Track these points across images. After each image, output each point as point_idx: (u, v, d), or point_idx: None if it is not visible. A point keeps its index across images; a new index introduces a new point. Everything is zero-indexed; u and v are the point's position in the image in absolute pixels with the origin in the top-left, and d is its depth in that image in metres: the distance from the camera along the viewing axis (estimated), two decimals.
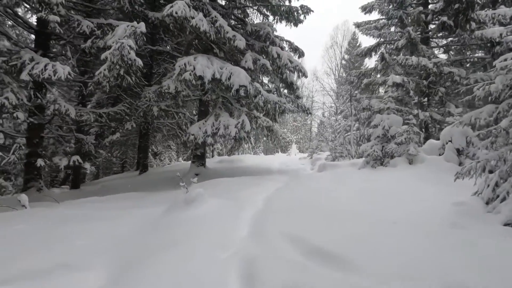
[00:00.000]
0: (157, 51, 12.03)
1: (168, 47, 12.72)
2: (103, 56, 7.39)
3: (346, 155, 12.12)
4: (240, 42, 8.73)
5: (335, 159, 11.60)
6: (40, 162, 8.18)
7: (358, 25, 16.95)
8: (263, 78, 12.55)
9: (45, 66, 7.40)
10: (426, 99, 13.66)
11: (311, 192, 5.69)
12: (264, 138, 14.88)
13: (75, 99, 12.56)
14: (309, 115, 12.04)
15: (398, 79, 13.75)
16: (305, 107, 11.86)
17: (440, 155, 7.55)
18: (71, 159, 9.51)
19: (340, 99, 33.37)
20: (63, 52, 9.60)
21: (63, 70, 7.31)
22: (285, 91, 12.22)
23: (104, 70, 7.14)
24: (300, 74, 10.71)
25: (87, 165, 20.65)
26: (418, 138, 9.15)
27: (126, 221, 4.36)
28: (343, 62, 36.77)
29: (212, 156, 23.39)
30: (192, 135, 8.85)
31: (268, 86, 12.73)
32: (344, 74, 36.42)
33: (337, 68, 36.06)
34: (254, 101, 9.36)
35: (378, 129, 8.48)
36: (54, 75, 7.21)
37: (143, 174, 14.37)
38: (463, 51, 15.08)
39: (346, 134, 14.30)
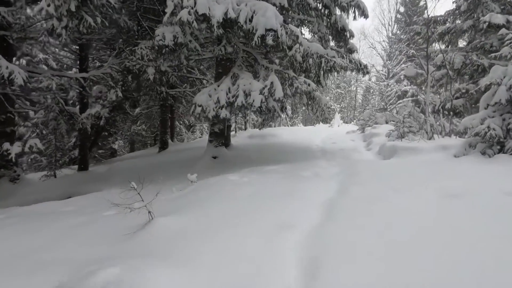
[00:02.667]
0: None
1: None
2: None
3: (418, 132, 8.57)
4: None
5: (402, 136, 8.17)
6: (6, 146, 6.13)
7: None
8: (302, 28, 9.11)
9: None
10: None
11: (414, 234, 2.65)
12: (303, 108, 11.72)
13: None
14: (366, 75, 8.51)
15: (499, 18, 9.39)
16: (360, 64, 8.32)
17: None
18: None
19: (394, 61, 28.07)
20: None
21: None
22: (332, 43, 8.72)
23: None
24: (357, 12, 7.17)
25: (116, 142, 19.32)
26: None
27: None
28: (398, 16, 30.61)
29: (245, 129, 20.75)
30: (199, 106, 6.07)
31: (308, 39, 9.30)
32: (398, 31, 30.52)
33: (390, 24, 30.17)
34: (288, 53, 6.20)
35: (500, 89, 4.91)
36: None
37: (162, 152, 12.24)
38: None
39: (411, 103, 10.51)
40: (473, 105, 11.47)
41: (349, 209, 3.02)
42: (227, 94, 6.13)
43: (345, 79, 32.98)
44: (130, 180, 2.97)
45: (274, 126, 23.35)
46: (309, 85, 6.27)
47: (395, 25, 30.66)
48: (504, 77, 4.98)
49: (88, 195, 5.92)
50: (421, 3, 28.62)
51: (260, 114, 6.20)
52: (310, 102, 9.59)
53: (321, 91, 10.23)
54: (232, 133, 19.06)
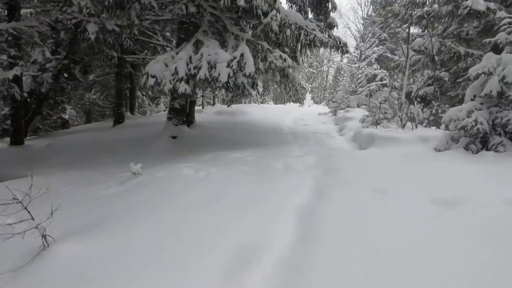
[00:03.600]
0: None
1: None
2: None
3: (392, 118, 8.18)
4: None
5: (378, 123, 7.71)
6: None
7: None
8: None
9: None
10: None
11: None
12: (275, 86, 10.88)
13: None
14: (345, 54, 7.77)
15: (481, 5, 9.01)
16: (340, 41, 7.54)
17: None
18: None
19: (367, 43, 27.78)
20: None
21: None
22: (311, 15, 7.78)
23: None
24: None
25: (66, 110, 17.11)
26: None
27: None
28: None
29: (213, 104, 19.49)
30: (152, 77, 4.94)
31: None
32: (373, 13, 30.09)
33: (366, 4, 29.53)
34: (263, 21, 5.21)
35: (492, 79, 4.41)
36: None
37: (117, 127, 10.83)
38: None
39: (388, 90, 10.08)
40: (443, 94, 11.40)
41: (331, 226, 2.32)
42: (187, 64, 5.06)
43: (318, 58, 32.33)
44: (69, 160, 1.97)
45: (244, 103, 22.33)
46: (285, 60, 5.37)
47: (371, 6, 30.13)
48: (497, 66, 4.49)
49: None
50: None
51: (227, 91, 5.24)
52: (283, 80, 8.78)
53: (294, 69, 9.40)
54: (199, 107, 17.79)
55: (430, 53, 10.46)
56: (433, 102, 11.61)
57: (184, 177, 3.40)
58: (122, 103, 11.16)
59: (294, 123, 11.23)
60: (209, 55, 5.03)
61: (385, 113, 8.03)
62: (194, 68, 5.03)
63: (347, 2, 50.26)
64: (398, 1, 14.05)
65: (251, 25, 6.67)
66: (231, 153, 5.21)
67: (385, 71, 27.11)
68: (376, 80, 26.61)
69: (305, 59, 33.81)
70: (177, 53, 5.08)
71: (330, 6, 7.17)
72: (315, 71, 32.14)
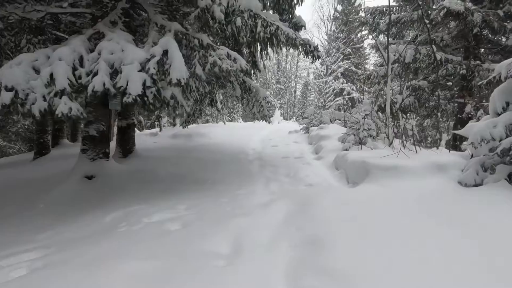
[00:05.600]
0: None
1: None
2: None
3: (377, 136, 6.65)
4: None
5: (363, 142, 6.10)
6: None
7: None
8: None
9: None
10: None
11: None
12: (234, 102, 9.11)
13: None
14: (317, 59, 6.17)
15: (459, 5, 7.98)
16: (310, 45, 5.92)
17: None
18: None
19: (332, 57, 27.38)
20: None
21: None
22: (270, 11, 6.16)
23: None
24: None
25: None
26: None
27: None
28: (336, 14, 30.10)
29: (174, 125, 17.23)
30: (9, 89, 2.86)
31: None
32: (336, 29, 30.04)
33: (329, 19, 29.46)
34: (200, 4, 3.40)
35: None
36: None
37: (37, 160, 8.32)
38: None
39: (367, 101, 8.62)
40: (422, 105, 10.26)
41: None
42: (75, 68, 3.04)
43: (285, 74, 31.49)
44: None
45: (211, 122, 20.29)
46: (234, 61, 3.53)
47: (333, 23, 30.10)
48: None
49: None
50: (357, 2, 28.45)
51: (144, 109, 3.28)
52: (245, 95, 7.01)
53: (253, 76, 7.72)
54: (155, 130, 15.51)
55: (405, 60, 9.30)
56: (411, 114, 10.45)
57: None
58: (45, 130, 8.70)
59: (262, 144, 9.42)
60: (111, 53, 3.08)
61: (369, 129, 6.47)
62: (88, 75, 3.04)
63: (310, 18, 51.19)
64: (364, 10, 13.18)
65: (185, 16, 4.86)
66: (156, 207, 3.19)
67: (351, 84, 26.80)
68: (343, 94, 26.09)
69: (272, 75, 32.94)
70: (54, 50, 3.07)
71: (294, 1, 5.58)
72: (283, 87, 31.17)
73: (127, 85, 2.94)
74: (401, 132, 6.15)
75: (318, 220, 2.55)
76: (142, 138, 12.01)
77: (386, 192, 3.32)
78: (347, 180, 4.38)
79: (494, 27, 8.08)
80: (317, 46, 6.04)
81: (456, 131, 4.21)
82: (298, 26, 6.16)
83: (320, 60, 28.50)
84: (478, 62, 8.51)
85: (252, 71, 6.64)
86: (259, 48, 4.61)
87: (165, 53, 3.07)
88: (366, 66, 28.63)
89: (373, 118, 7.01)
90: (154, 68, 3.00)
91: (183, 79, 3.06)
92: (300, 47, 5.09)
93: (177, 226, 2.49)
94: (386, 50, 6.99)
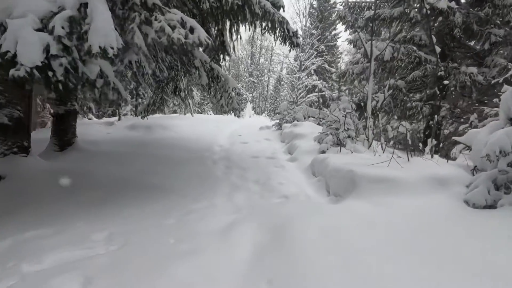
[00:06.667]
0: None
1: None
2: None
3: (357, 137, 6.03)
4: None
5: (342, 144, 5.43)
6: None
7: None
8: None
9: None
10: None
11: None
12: (198, 92, 8.13)
13: None
14: (295, 47, 5.34)
15: (442, 3, 7.58)
16: (288, 30, 5.08)
17: None
18: None
19: (306, 54, 26.95)
20: None
21: None
22: None
23: None
24: None
25: None
26: None
27: None
28: (312, 10, 29.65)
29: (136, 114, 15.63)
30: None
31: None
32: (311, 25, 29.65)
33: (304, 15, 28.96)
34: None
35: None
36: None
37: None
38: None
39: (345, 99, 7.98)
40: (396, 106, 9.94)
41: None
42: None
43: (258, 67, 30.57)
44: None
45: (180, 113, 18.76)
46: (191, 31, 2.56)
47: (309, 19, 29.66)
48: None
49: None
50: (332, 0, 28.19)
51: (50, 89, 2.21)
52: (212, 84, 6.06)
53: (234, 76, 6.80)
54: (113, 119, 13.89)
55: (383, 58, 8.83)
56: (388, 115, 10.12)
57: None
58: None
59: (230, 140, 8.50)
60: None
61: (348, 129, 5.82)
62: None
63: (286, 11, 50.64)
64: (342, 3, 12.62)
65: None
66: (64, 235, 2.17)
67: (324, 82, 26.63)
68: (315, 91, 25.85)
69: (245, 68, 31.90)
70: None
71: None
72: (255, 81, 30.27)
73: (15, 50, 1.87)
74: (382, 134, 5.59)
75: (299, 265, 1.72)
76: (95, 128, 10.50)
77: (380, 214, 2.59)
78: (328, 190, 3.63)
79: (473, 29, 7.83)
80: (296, 31, 5.24)
81: (457, 138, 3.62)
82: (276, 5, 5.28)
83: (298, 49, 27.95)
84: (455, 64, 8.26)
85: (221, 55, 5.67)
86: (228, 24, 3.66)
87: (84, 6, 2.04)
88: (338, 64, 28.61)
89: (352, 117, 6.38)
90: (63, 28, 1.96)
91: (111, 48, 2.04)
92: (278, 28, 4.21)
93: (71, 285, 1.51)
94: (370, 43, 6.38)
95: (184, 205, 2.98)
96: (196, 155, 6.02)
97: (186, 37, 2.43)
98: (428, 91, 9.00)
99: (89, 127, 10.42)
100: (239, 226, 2.40)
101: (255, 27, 3.95)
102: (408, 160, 3.58)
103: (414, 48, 7.88)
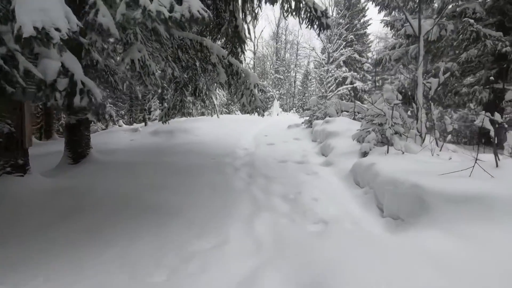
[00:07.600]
0: None
1: None
2: None
3: (406, 133, 4.95)
4: None
5: (387, 140, 4.43)
6: None
7: None
8: None
9: None
10: None
11: None
12: (217, 89, 7.48)
13: None
14: (325, 30, 4.43)
15: None
16: (316, 9, 4.19)
17: None
18: None
19: (334, 45, 25.40)
20: None
21: None
22: None
23: None
24: None
25: None
26: None
27: None
28: None
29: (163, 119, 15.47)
30: None
31: None
32: (338, 15, 28.00)
33: (330, 4, 27.38)
34: None
35: None
36: None
37: None
38: None
39: (390, 86, 6.77)
40: (449, 91, 8.49)
41: None
42: None
43: (284, 63, 29.51)
44: None
45: (207, 115, 18.42)
46: (178, 1, 1.81)
47: (335, 8, 27.99)
48: None
49: None
50: None
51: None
52: (232, 81, 5.40)
53: (259, 74, 6.04)
54: (139, 126, 13.83)
55: (430, 38, 7.53)
56: (439, 104, 8.70)
57: None
58: None
59: (255, 141, 7.74)
60: None
61: (393, 124, 4.76)
62: None
63: None
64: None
65: None
66: None
67: (355, 73, 24.86)
68: (346, 83, 24.20)
69: (270, 65, 31.03)
70: None
71: None
72: (282, 77, 29.26)
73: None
74: (436, 127, 4.48)
75: None
76: (120, 135, 10.34)
77: (475, 257, 1.65)
78: (380, 208, 2.71)
79: None
80: (326, 10, 4.36)
81: None
82: None
83: (325, 38, 26.33)
84: None
85: (239, 48, 4.92)
86: (240, 2, 2.87)
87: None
88: (369, 54, 26.61)
89: (398, 109, 5.29)
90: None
91: (56, 30, 1.36)
92: (303, 9, 3.35)
93: None
94: (417, 18, 5.23)
95: (185, 240, 2.26)
96: (215, 161, 5.34)
97: (171, 10, 1.69)
98: (487, 72, 7.51)
99: (114, 135, 10.29)
100: (258, 281, 1.61)
101: (273, 2, 3.13)
102: (497, 165, 2.53)
103: (471, 21, 6.50)
